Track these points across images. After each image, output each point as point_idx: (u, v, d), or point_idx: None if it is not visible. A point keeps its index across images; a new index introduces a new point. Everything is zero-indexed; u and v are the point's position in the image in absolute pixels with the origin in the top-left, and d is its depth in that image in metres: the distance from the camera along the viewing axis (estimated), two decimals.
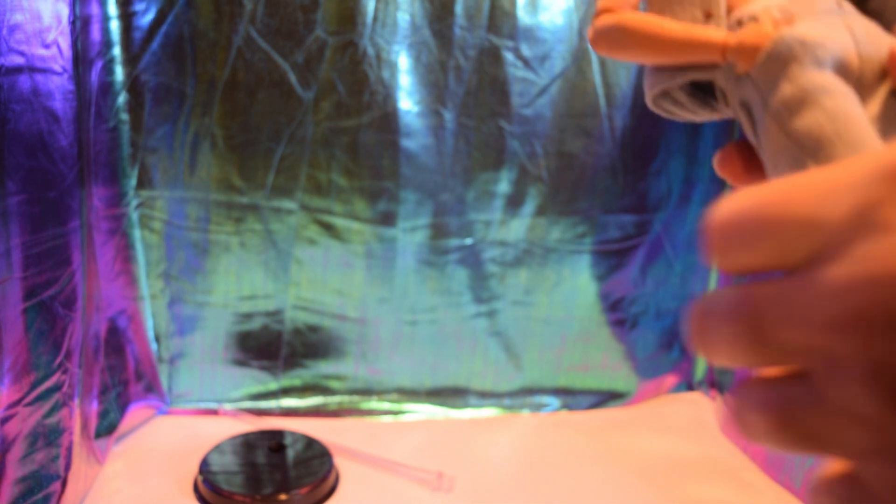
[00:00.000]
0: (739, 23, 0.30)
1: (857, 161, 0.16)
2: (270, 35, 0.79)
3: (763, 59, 0.29)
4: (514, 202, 0.87)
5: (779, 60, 0.29)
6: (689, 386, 1.00)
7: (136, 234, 0.83)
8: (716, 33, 0.31)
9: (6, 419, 0.56)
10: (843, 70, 0.29)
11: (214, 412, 0.90)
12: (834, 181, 0.16)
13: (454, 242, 0.88)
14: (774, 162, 0.29)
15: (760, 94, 0.29)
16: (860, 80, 0.29)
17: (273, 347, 0.89)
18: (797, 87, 0.28)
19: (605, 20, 0.33)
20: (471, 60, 0.82)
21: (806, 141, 0.27)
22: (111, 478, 0.75)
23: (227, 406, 0.90)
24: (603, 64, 0.84)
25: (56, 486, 0.62)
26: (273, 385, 0.90)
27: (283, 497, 0.72)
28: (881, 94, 0.29)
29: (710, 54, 0.31)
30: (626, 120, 0.86)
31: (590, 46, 0.36)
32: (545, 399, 0.95)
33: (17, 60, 0.55)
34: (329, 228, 0.86)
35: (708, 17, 0.31)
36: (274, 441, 0.80)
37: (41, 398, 0.60)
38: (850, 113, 0.27)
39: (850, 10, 0.31)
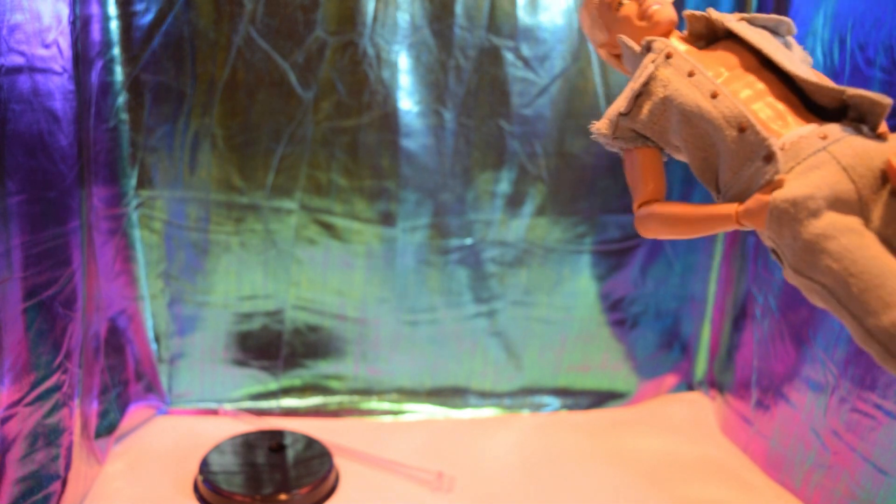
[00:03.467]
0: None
1: None
2: (270, 35, 0.79)
3: (768, 223, 0.35)
4: (514, 202, 0.87)
5: (780, 222, 0.34)
6: (689, 386, 1.00)
7: (136, 234, 0.83)
8: (726, 208, 0.37)
9: (6, 419, 0.56)
10: (841, 202, 0.33)
11: (214, 412, 0.90)
12: None
13: (454, 242, 0.88)
14: (808, 296, 0.34)
15: (778, 247, 0.35)
16: (861, 199, 0.34)
17: (273, 347, 0.89)
18: (802, 241, 0.33)
19: (641, 212, 0.42)
20: (471, 60, 0.82)
21: (825, 283, 0.32)
22: (111, 478, 0.75)
23: (227, 406, 0.90)
24: (603, 64, 0.84)
25: (56, 486, 0.62)
26: (273, 385, 0.90)
27: (283, 497, 0.72)
28: (883, 197, 0.34)
29: (728, 224, 0.37)
30: None
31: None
32: (545, 399, 0.95)
33: (17, 60, 0.55)
34: (329, 228, 0.86)
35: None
36: (274, 441, 0.80)
37: (41, 398, 0.60)
38: (852, 246, 0.32)
39: (835, 135, 0.35)
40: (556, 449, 0.86)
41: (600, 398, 0.96)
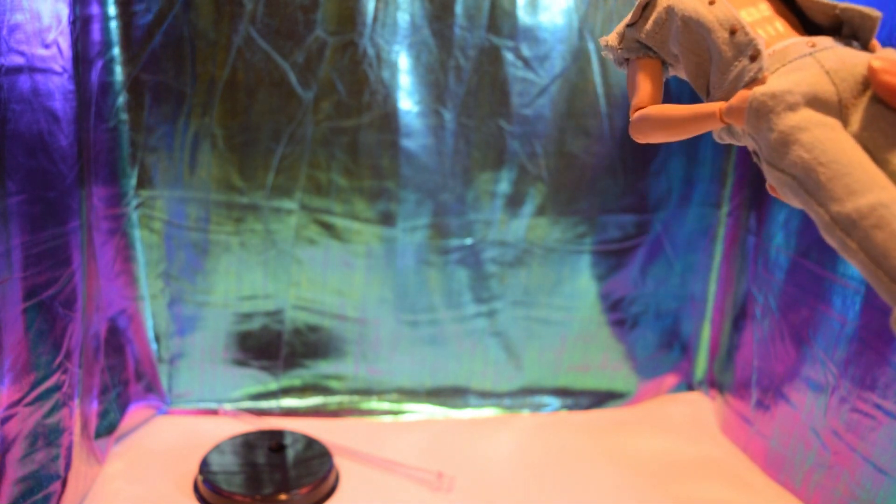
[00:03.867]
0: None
1: None
2: (270, 35, 0.79)
3: (746, 117, 0.35)
4: (514, 202, 0.87)
5: (758, 115, 0.35)
6: (689, 386, 1.00)
7: (136, 234, 0.83)
8: (711, 106, 0.38)
9: (6, 419, 0.56)
10: (819, 101, 0.34)
11: (214, 412, 0.90)
12: None
13: (454, 242, 0.88)
14: (782, 192, 0.35)
15: (756, 143, 0.36)
16: (841, 102, 0.34)
17: (273, 347, 0.89)
18: (777, 132, 0.34)
19: (634, 115, 0.44)
20: (471, 60, 0.82)
21: (795, 173, 0.33)
22: (111, 478, 0.75)
23: (227, 406, 0.90)
24: (603, 64, 0.84)
25: (56, 486, 0.62)
26: (273, 385, 0.90)
27: (283, 497, 0.72)
28: (864, 102, 0.34)
29: (713, 122, 0.38)
30: (626, 120, 0.85)
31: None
32: (545, 399, 0.95)
33: (17, 60, 0.55)
34: (329, 228, 0.86)
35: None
36: (274, 441, 0.80)
37: (41, 398, 0.60)
38: (824, 138, 0.33)
39: (824, 44, 0.36)
40: (556, 449, 0.86)
41: (600, 398, 0.96)
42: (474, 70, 0.83)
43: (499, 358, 0.93)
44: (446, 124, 0.84)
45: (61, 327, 0.63)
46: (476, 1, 0.81)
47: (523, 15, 0.81)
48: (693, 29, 0.41)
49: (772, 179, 0.35)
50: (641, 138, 0.44)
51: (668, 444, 0.87)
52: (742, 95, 0.36)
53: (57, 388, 0.62)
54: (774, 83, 0.35)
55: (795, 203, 0.34)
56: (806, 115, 0.33)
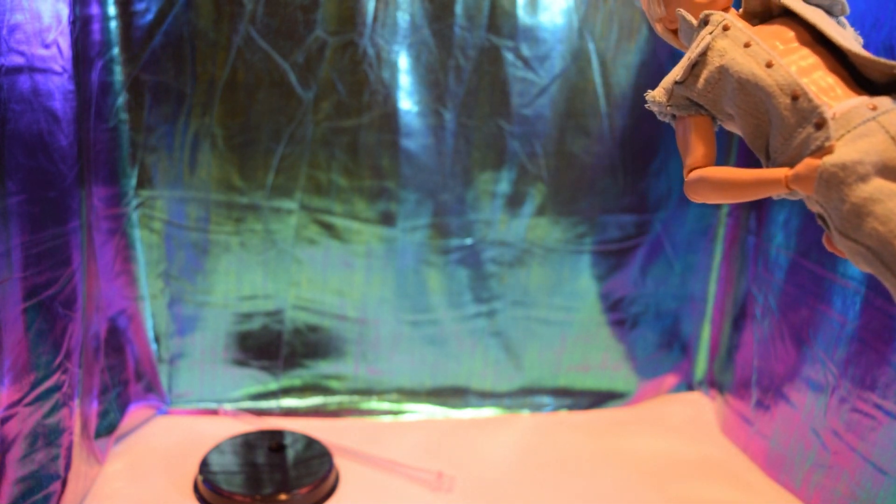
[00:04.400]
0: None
1: None
2: (270, 35, 0.79)
3: (817, 187, 0.35)
4: (514, 202, 0.87)
5: (828, 186, 0.35)
6: (689, 386, 1.00)
7: (136, 234, 0.83)
8: (776, 172, 0.38)
9: (6, 419, 0.56)
10: (889, 170, 0.34)
11: (214, 412, 0.90)
12: None
13: (454, 242, 0.88)
14: (853, 260, 0.35)
15: (826, 211, 0.36)
16: None
17: (273, 347, 0.89)
18: (850, 204, 0.34)
19: (691, 176, 0.43)
20: (471, 60, 0.82)
21: (870, 244, 0.33)
22: (111, 478, 0.75)
23: (227, 406, 0.90)
24: (603, 64, 0.84)
25: (56, 486, 0.62)
26: (273, 385, 0.90)
27: (283, 497, 0.72)
28: None
29: (778, 188, 0.38)
30: (626, 120, 0.85)
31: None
32: (545, 399, 0.95)
33: (17, 60, 0.55)
34: (329, 228, 0.86)
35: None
36: (274, 441, 0.80)
37: (41, 398, 0.60)
38: None
39: (885, 106, 0.36)
40: (556, 449, 0.86)
41: (600, 398, 0.96)
42: (474, 70, 0.83)
43: (499, 358, 0.93)
44: (446, 124, 0.84)
45: (61, 327, 0.63)
46: (476, 1, 0.80)
47: (523, 15, 0.81)
48: (751, 91, 0.40)
49: (843, 248, 0.35)
50: (698, 199, 0.43)
51: (668, 445, 0.87)
52: (810, 164, 0.36)
53: (57, 388, 0.62)
54: (844, 153, 0.35)
55: (866, 269, 0.35)
56: (878, 186, 0.33)
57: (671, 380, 0.99)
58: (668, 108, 0.45)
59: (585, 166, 0.86)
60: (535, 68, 0.83)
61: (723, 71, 0.41)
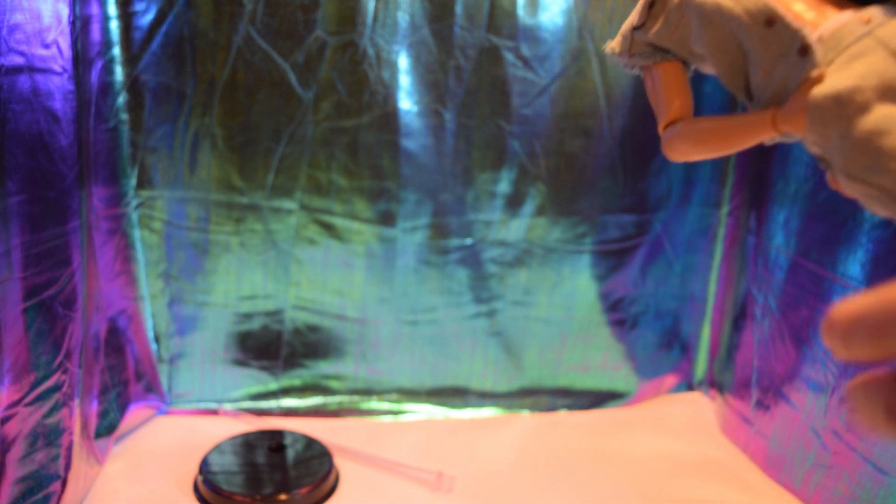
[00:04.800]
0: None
1: None
2: (270, 35, 0.79)
3: (809, 125, 0.29)
4: (514, 202, 0.87)
5: (823, 122, 0.29)
6: (689, 386, 1.00)
7: (136, 234, 0.83)
8: (761, 114, 0.32)
9: (6, 419, 0.56)
10: (893, 91, 0.28)
11: (214, 412, 0.90)
12: None
13: (454, 242, 0.88)
14: (867, 204, 0.29)
15: (823, 150, 0.30)
16: None
17: (273, 347, 0.89)
18: (853, 141, 0.28)
19: (666, 132, 0.37)
20: (471, 60, 0.82)
21: (886, 185, 0.27)
22: (111, 478, 0.75)
23: (227, 406, 0.90)
24: (603, 64, 0.84)
25: (56, 486, 0.62)
26: (273, 385, 0.90)
27: (283, 497, 0.72)
28: None
29: (766, 132, 0.32)
30: (626, 120, 0.86)
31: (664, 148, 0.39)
32: (545, 399, 0.95)
33: (17, 60, 0.55)
34: (329, 228, 0.86)
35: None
36: (274, 441, 0.80)
37: (41, 398, 0.60)
38: None
39: (880, 16, 0.30)
40: (556, 449, 0.86)
41: (600, 398, 0.96)
42: (474, 70, 0.83)
43: (499, 358, 0.93)
44: (446, 124, 0.84)
45: (61, 327, 0.63)
46: (476, 1, 0.81)
47: (523, 15, 0.81)
48: (718, 24, 0.34)
49: (853, 192, 0.29)
50: (678, 157, 0.37)
51: (668, 445, 0.87)
52: (799, 100, 0.30)
53: (57, 388, 0.62)
54: (836, 81, 0.29)
55: (882, 213, 0.29)
56: (883, 114, 0.27)
57: (671, 380, 0.99)
58: (631, 58, 0.39)
59: (585, 166, 0.86)
60: (535, 68, 0.83)
61: (683, 6, 0.35)
